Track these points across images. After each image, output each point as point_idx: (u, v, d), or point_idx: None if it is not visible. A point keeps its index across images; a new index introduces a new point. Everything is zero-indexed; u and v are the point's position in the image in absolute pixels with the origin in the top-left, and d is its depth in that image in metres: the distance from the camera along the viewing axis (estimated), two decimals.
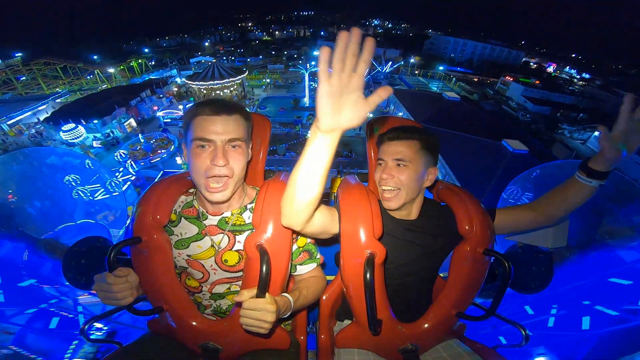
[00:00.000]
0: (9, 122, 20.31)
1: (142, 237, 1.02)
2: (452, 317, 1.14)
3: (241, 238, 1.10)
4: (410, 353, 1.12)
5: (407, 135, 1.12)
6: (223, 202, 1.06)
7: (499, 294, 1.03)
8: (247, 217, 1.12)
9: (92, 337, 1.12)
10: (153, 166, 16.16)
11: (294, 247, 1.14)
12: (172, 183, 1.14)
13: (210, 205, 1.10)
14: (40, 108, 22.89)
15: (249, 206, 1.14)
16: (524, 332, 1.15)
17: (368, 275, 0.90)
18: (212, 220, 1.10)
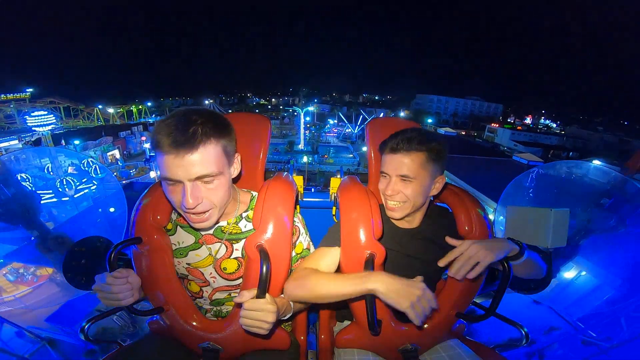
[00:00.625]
0: None
1: (143, 238, 1.02)
2: (451, 317, 1.15)
3: (238, 246, 1.09)
4: (409, 353, 1.13)
5: (411, 147, 1.03)
6: (210, 228, 1.04)
7: (498, 294, 1.03)
8: (244, 226, 1.10)
9: (92, 337, 1.12)
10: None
11: (292, 253, 1.13)
12: None
13: None
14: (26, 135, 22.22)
15: (244, 215, 1.11)
16: (523, 332, 1.15)
17: None
18: (208, 230, 1.08)
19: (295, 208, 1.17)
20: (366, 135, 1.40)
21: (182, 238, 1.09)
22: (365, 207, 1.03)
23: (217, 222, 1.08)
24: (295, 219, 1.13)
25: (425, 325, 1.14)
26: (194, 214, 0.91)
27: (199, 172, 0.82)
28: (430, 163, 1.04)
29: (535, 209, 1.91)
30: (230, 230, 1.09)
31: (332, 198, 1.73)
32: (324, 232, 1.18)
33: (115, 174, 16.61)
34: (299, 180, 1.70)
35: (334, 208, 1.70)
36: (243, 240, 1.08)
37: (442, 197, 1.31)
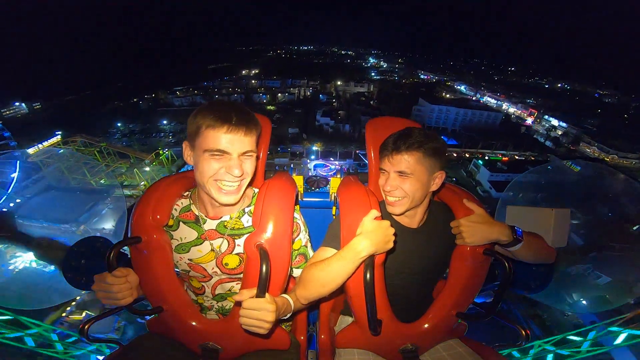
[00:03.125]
0: None
1: (142, 237, 1.02)
2: (452, 317, 1.14)
3: (240, 242, 1.10)
4: (410, 353, 1.12)
5: (408, 147, 1.07)
6: (232, 204, 1.05)
7: (499, 294, 1.03)
8: (246, 220, 1.12)
9: (91, 337, 1.12)
10: None
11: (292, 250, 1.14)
12: (172, 183, 1.14)
13: (212, 208, 1.09)
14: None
15: (247, 209, 1.13)
16: (523, 332, 1.15)
17: (368, 276, 0.90)
18: (211, 224, 1.10)
19: (295, 207, 1.16)
20: (366, 135, 1.40)
21: (185, 234, 1.10)
22: (365, 207, 1.03)
23: (220, 217, 1.10)
24: (295, 214, 1.14)
25: (426, 325, 1.13)
26: (228, 184, 0.99)
27: (247, 147, 0.98)
28: (427, 159, 1.08)
29: (536, 208, 1.91)
30: (233, 226, 1.10)
31: (332, 198, 1.72)
32: (324, 232, 1.18)
33: None
34: (299, 180, 1.70)
35: (334, 208, 1.70)
36: (245, 236, 1.09)
37: (442, 197, 1.31)
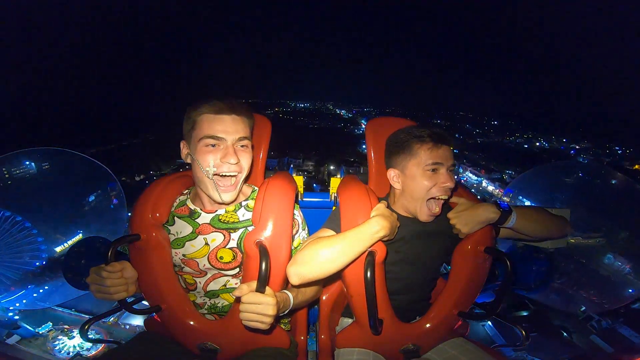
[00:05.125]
0: None
1: (141, 235, 1.02)
2: (453, 317, 1.14)
3: (235, 236, 1.09)
4: (411, 353, 1.12)
5: (449, 139, 1.09)
6: (230, 203, 1.07)
7: (500, 293, 1.03)
8: (242, 214, 1.12)
9: (90, 336, 1.12)
10: None
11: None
12: (171, 182, 1.14)
13: (209, 202, 1.09)
14: None
15: (243, 203, 1.14)
16: (523, 333, 1.14)
17: (369, 274, 0.90)
18: (205, 218, 1.10)
19: (295, 206, 1.16)
20: (366, 135, 1.40)
21: (180, 228, 1.10)
22: (366, 206, 1.03)
23: (215, 210, 1.10)
24: (295, 212, 1.14)
25: (427, 325, 1.13)
26: (227, 175, 1.00)
27: (241, 132, 1.01)
28: None
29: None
30: (228, 219, 1.10)
31: (332, 198, 1.72)
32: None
33: None
34: (299, 180, 1.70)
35: (334, 208, 1.70)
36: (240, 230, 1.09)
37: None
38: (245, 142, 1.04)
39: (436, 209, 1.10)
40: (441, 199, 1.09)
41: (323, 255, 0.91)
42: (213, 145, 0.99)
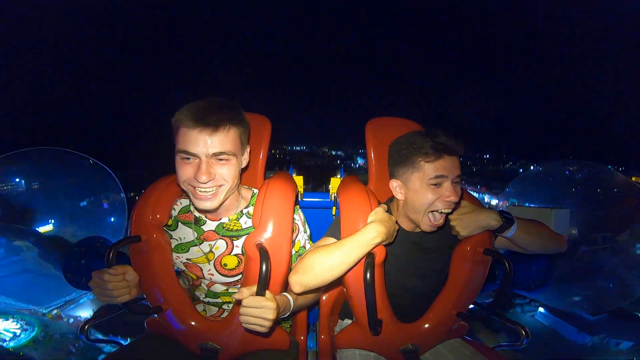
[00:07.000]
0: None
1: (142, 236, 1.02)
2: (452, 317, 1.14)
3: (239, 243, 1.10)
4: (410, 353, 1.12)
5: (460, 148, 1.03)
6: (211, 210, 1.01)
7: (499, 294, 1.03)
8: (244, 222, 1.11)
9: (92, 337, 1.12)
10: None
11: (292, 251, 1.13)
12: (171, 183, 1.14)
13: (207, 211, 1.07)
14: None
15: (244, 211, 1.13)
16: (523, 332, 1.14)
17: (368, 275, 0.90)
18: (210, 226, 1.10)
19: (295, 207, 1.16)
20: (366, 136, 1.40)
21: (184, 234, 1.10)
22: (366, 207, 1.03)
23: (220, 219, 1.10)
24: (295, 216, 1.14)
25: (427, 325, 1.13)
26: (202, 190, 0.93)
27: (217, 148, 0.91)
28: None
29: (535, 208, 1.92)
30: (231, 227, 1.10)
31: (332, 198, 1.72)
32: (324, 232, 1.18)
33: None
34: (299, 180, 1.70)
35: (334, 208, 1.69)
36: (243, 237, 1.09)
37: None
38: (224, 156, 0.93)
39: (440, 220, 1.07)
40: (444, 212, 1.05)
41: (323, 264, 0.93)
42: (188, 158, 0.92)
